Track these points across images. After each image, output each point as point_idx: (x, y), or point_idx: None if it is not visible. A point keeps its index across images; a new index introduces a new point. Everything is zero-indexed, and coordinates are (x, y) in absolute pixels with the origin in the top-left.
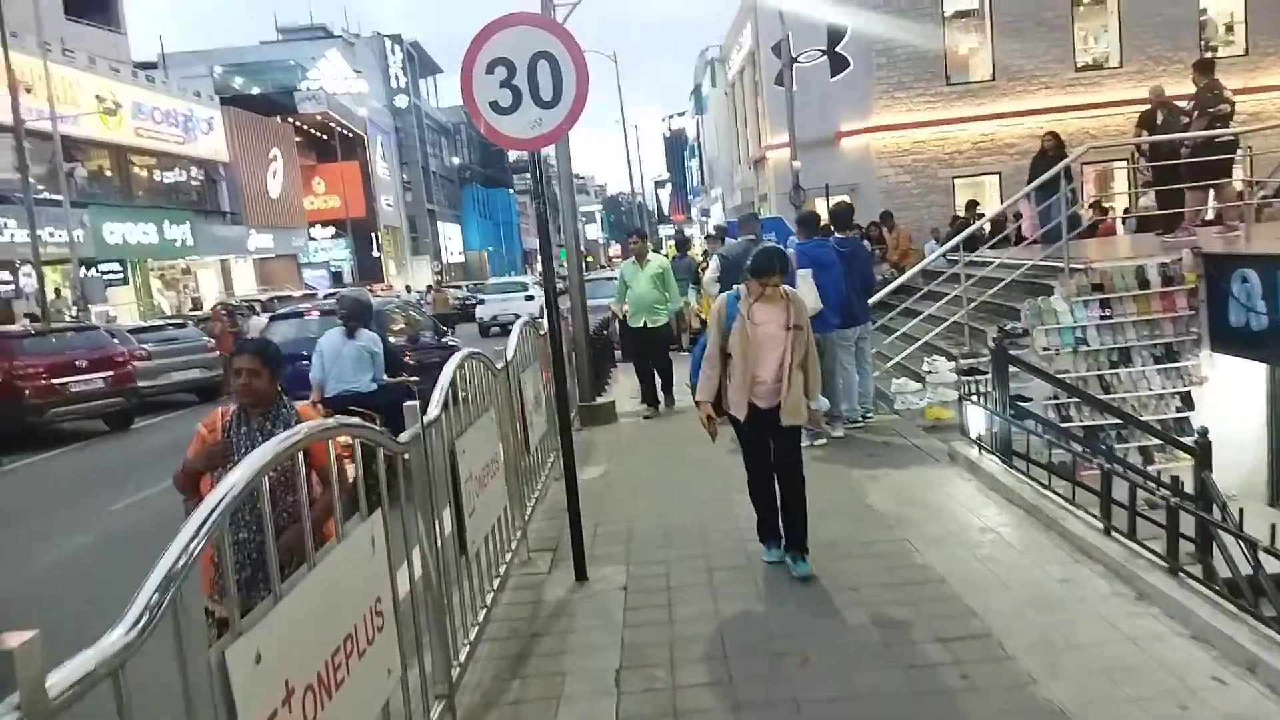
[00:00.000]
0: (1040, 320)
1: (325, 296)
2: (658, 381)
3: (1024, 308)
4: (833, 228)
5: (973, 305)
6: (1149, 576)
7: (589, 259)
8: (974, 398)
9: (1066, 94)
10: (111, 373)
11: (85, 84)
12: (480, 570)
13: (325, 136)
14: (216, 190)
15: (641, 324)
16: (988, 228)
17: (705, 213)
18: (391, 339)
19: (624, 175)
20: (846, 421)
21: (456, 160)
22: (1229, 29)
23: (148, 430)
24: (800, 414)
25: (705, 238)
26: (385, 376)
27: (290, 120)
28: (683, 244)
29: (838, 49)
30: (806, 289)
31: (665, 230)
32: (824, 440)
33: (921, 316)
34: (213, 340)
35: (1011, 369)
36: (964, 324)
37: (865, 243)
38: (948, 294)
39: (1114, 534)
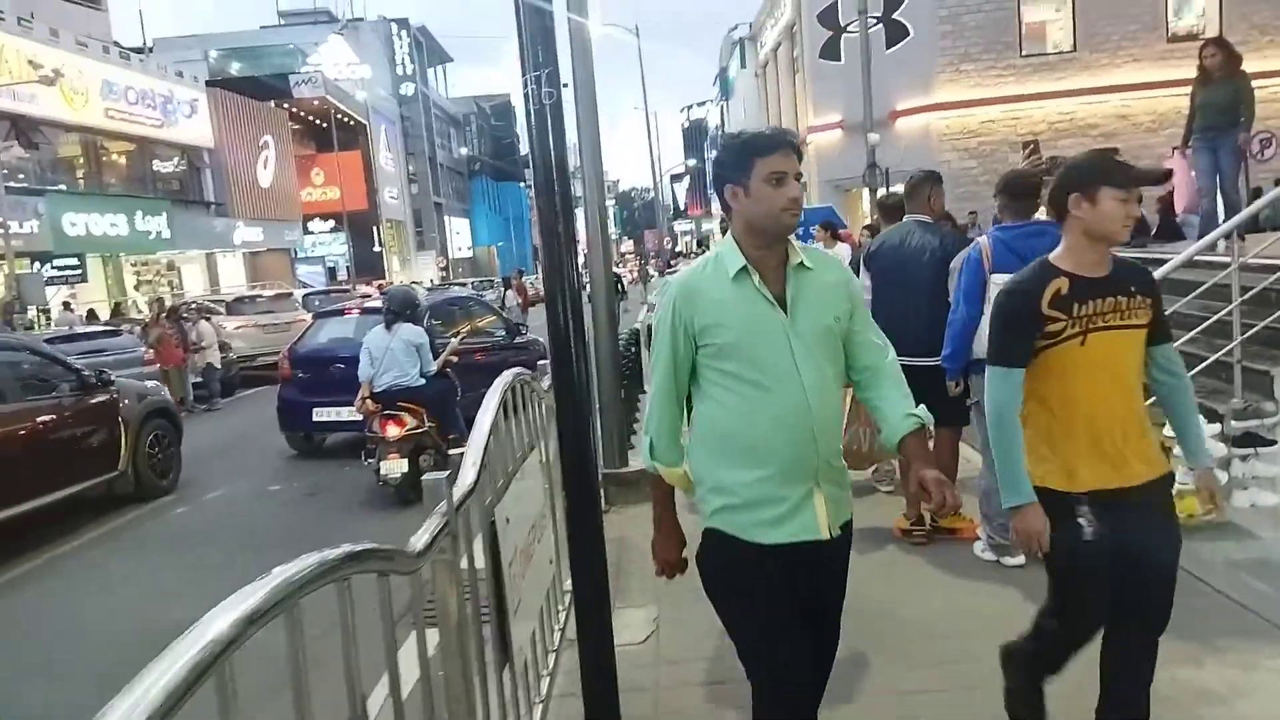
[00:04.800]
0: None
1: (309, 295)
2: None
3: None
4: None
5: (1248, 335)
6: None
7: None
8: None
9: (1158, 68)
10: None
11: (45, 58)
12: None
13: (324, 124)
14: (200, 179)
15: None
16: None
17: None
18: (454, 339)
19: (636, 171)
20: None
21: (465, 151)
22: None
23: None
24: None
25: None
26: (432, 368)
27: (284, 106)
28: None
29: (895, 15)
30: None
31: (682, 226)
32: (1021, 560)
33: None
34: (151, 351)
35: None
36: (1233, 363)
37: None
38: (1203, 317)
39: None
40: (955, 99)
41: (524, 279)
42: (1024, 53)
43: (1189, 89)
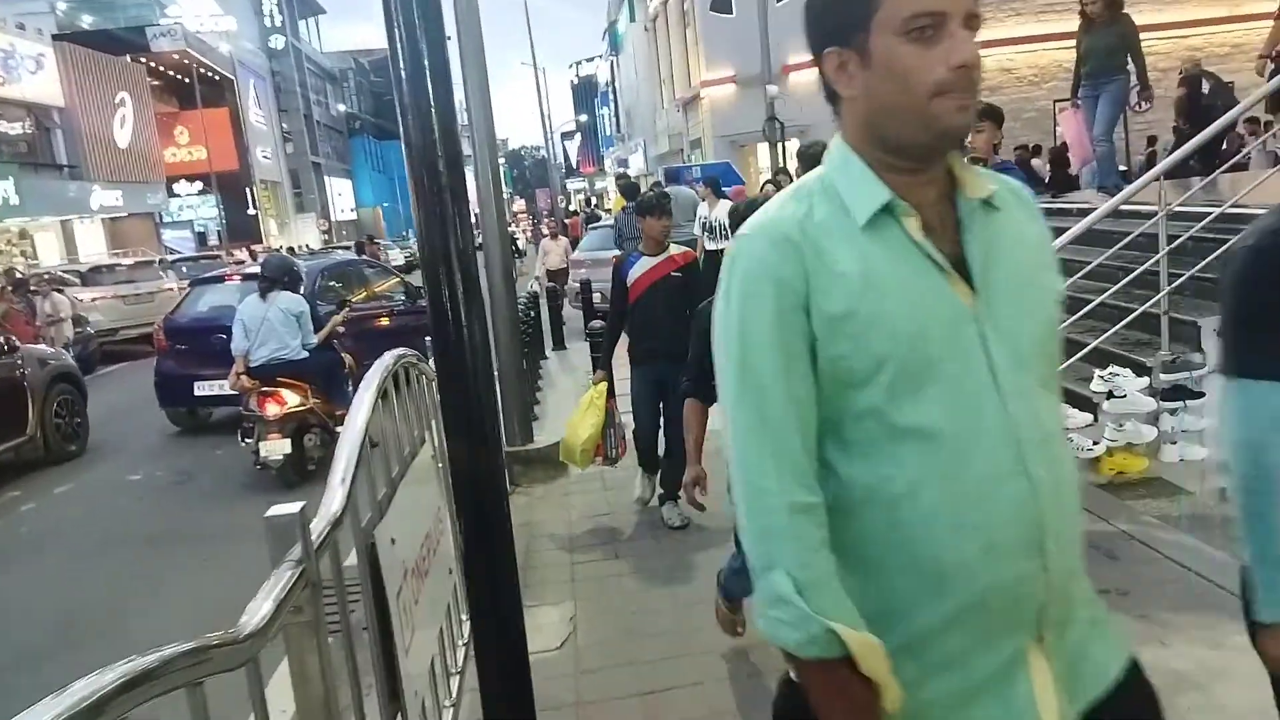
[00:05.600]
0: None
1: (176, 262)
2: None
3: None
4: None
5: (1176, 285)
6: None
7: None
8: None
9: (1039, 22)
10: None
11: None
12: None
13: (186, 79)
14: (50, 140)
15: None
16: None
17: (623, 162)
18: (342, 309)
19: (526, 130)
20: None
21: (344, 109)
22: None
23: None
24: None
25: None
26: (314, 340)
27: (142, 60)
28: (630, 189)
29: None
30: None
31: (575, 184)
32: None
33: (1091, 307)
34: None
35: None
36: (1160, 314)
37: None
38: (1130, 269)
39: None
40: None
41: (375, 244)
42: None
43: (1070, 42)
